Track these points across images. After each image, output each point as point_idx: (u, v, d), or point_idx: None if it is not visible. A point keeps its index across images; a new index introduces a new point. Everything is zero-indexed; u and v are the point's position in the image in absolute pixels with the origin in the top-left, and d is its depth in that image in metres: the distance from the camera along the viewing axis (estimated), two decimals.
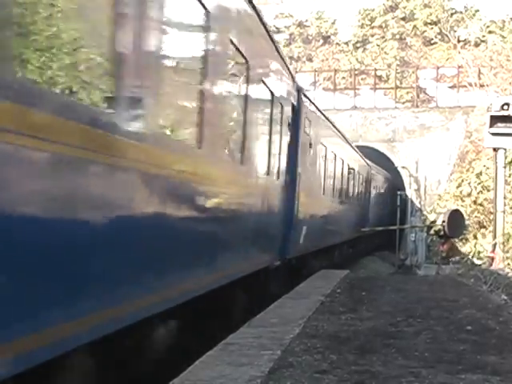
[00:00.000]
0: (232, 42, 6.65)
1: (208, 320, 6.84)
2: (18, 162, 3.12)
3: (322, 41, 42.95)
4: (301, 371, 4.92)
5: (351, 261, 21.98)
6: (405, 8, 41.52)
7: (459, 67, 32.66)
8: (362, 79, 37.11)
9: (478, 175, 23.76)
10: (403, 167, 29.22)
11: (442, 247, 20.41)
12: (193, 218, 5.82)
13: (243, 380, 4.57)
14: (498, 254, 15.88)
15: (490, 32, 36.21)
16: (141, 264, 4.56)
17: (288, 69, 10.59)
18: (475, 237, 21.42)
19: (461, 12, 40.32)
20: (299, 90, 11.71)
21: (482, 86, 29.60)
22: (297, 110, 11.28)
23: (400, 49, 40.18)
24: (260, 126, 8.48)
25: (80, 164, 3.68)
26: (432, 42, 39.36)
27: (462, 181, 24.52)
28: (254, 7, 7.63)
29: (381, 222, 27.86)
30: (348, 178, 19.85)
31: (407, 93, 36.00)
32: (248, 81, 7.49)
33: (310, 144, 12.47)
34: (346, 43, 42.06)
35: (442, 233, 19.79)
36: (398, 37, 40.86)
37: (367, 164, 25.54)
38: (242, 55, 7.11)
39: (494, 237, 16.46)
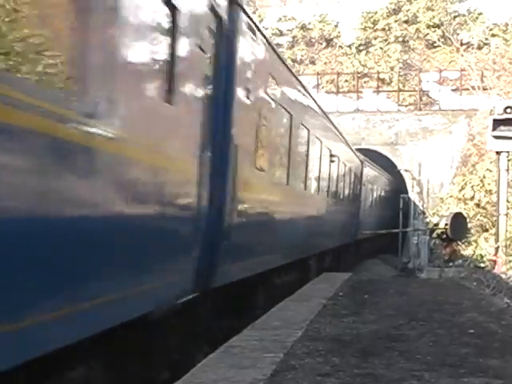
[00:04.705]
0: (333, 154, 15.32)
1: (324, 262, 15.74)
2: None
3: (324, 44, 42.89)
4: (303, 374, 4.92)
5: (354, 263, 22.00)
6: (408, 11, 41.44)
7: (462, 70, 32.63)
8: (364, 82, 37.04)
9: (481, 178, 23.74)
10: (406, 170, 29.20)
11: (444, 250, 20.40)
12: (329, 223, 15.68)
13: (245, 382, 4.57)
14: (501, 257, 15.88)
15: (492, 35, 36.16)
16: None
17: (354, 152, 20.76)
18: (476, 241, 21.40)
19: (464, 15, 40.24)
20: (362, 162, 23.08)
21: (484, 89, 29.59)
22: (361, 172, 22.99)
23: (403, 52, 40.06)
24: (349, 187, 19.76)
25: None
26: (435, 44, 39.27)
27: (465, 184, 24.49)
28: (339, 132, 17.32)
29: (388, 224, 28.15)
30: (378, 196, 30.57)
31: (410, 96, 35.91)
32: (342, 169, 17.32)
33: (365, 184, 24.16)
34: (349, 46, 41.97)
35: (444, 236, 19.78)
36: (400, 40, 40.77)
37: (390, 180, 33.38)
38: (337, 156, 15.56)
39: (497, 240, 16.46)
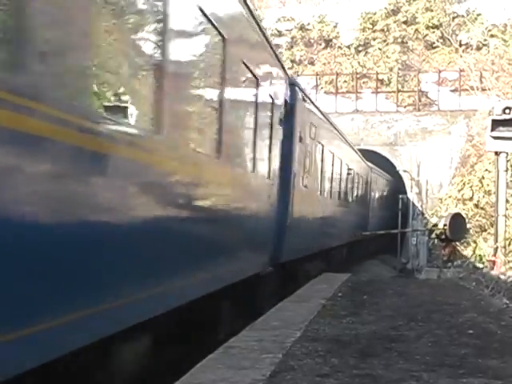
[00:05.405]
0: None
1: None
2: None
3: (323, 44, 42.90)
4: (302, 375, 4.91)
5: (352, 264, 21.94)
6: (406, 12, 41.47)
7: (461, 71, 32.62)
8: (363, 83, 37.05)
9: (480, 179, 23.74)
10: (405, 171, 29.20)
11: (443, 251, 20.40)
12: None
13: (244, 383, 4.57)
14: (500, 257, 15.87)
15: (491, 36, 36.14)
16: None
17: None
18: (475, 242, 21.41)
19: (462, 16, 40.25)
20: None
21: (483, 89, 29.58)
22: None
23: (402, 52, 40.09)
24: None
25: None
26: (434, 45, 39.31)
27: (464, 184, 24.49)
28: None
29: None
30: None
31: (409, 96, 35.94)
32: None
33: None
34: (348, 47, 41.99)
35: (443, 236, 19.78)
36: (399, 40, 40.80)
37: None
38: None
39: (496, 241, 16.45)
